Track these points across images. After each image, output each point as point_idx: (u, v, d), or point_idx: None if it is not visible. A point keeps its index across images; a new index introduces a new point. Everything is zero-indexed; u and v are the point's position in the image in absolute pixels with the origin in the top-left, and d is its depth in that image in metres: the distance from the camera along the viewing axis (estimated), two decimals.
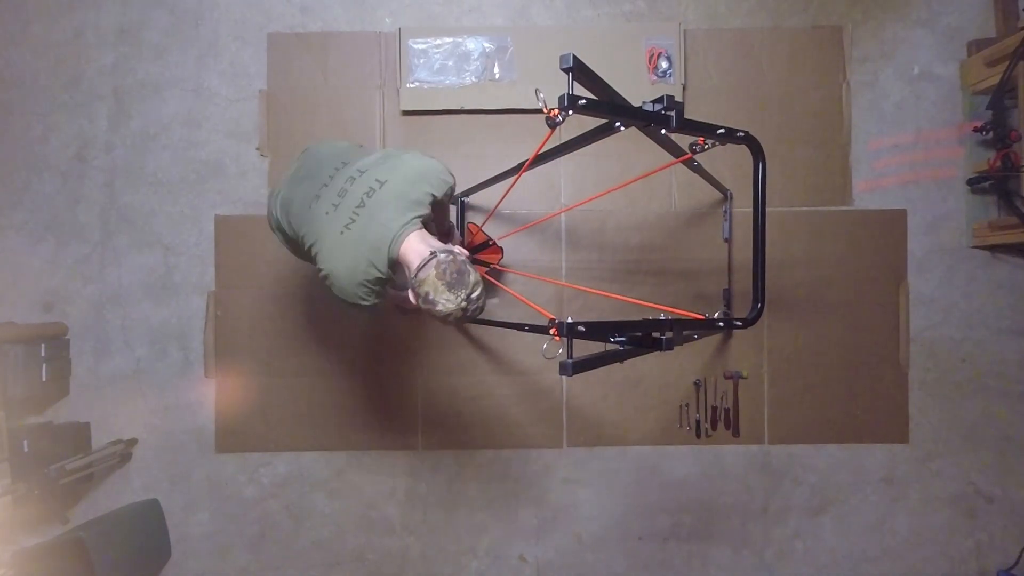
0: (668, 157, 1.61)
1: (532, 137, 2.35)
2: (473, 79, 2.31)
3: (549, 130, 1.27)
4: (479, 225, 2.16)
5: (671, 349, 1.28)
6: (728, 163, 2.34)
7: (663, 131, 1.33)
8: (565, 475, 2.39)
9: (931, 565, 2.40)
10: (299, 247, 1.48)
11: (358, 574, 2.38)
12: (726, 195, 2.31)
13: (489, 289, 2.36)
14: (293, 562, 2.37)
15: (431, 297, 1.25)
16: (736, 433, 2.38)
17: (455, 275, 1.25)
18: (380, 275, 1.33)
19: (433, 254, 1.26)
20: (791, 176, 2.39)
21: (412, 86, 2.31)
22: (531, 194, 2.36)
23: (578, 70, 1.17)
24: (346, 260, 1.33)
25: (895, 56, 2.41)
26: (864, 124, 2.40)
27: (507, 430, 2.38)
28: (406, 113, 2.35)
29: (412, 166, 1.39)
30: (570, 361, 1.19)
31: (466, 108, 2.32)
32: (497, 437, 2.38)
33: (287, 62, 2.38)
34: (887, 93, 2.41)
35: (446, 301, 1.24)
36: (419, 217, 1.33)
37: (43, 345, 2.21)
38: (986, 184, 2.32)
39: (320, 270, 1.37)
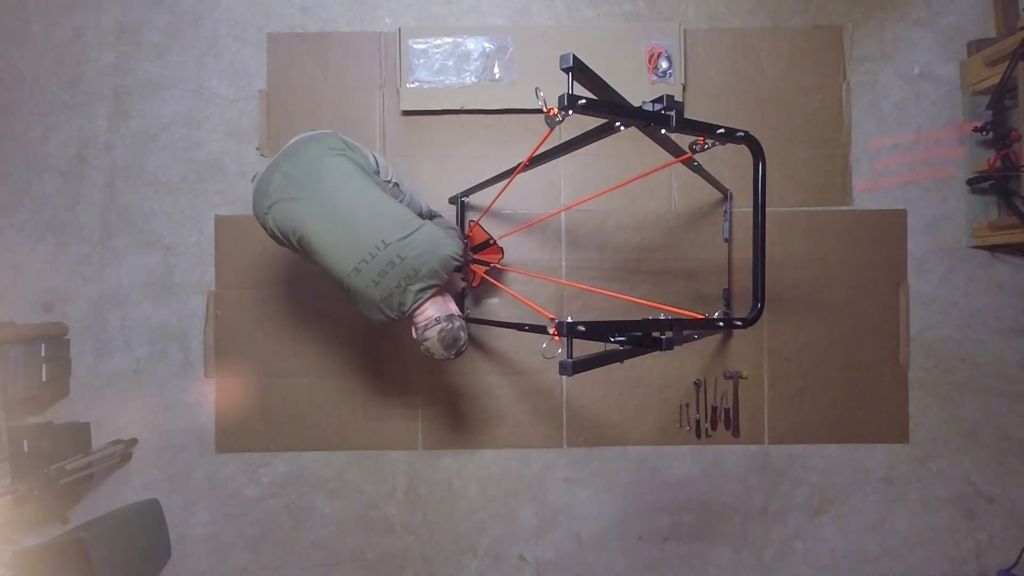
0: (667, 156, 1.61)
1: (532, 137, 2.35)
2: (473, 79, 2.31)
3: (548, 129, 1.27)
4: (479, 224, 2.15)
5: (671, 349, 1.28)
6: (728, 163, 2.34)
7: (663, 131, 1.33)
8: (565, 475, 2.39)
9: (931, 565, 2.40)
10: (303, 254, 1.53)
11: (358, 574, 2.38)
12: (726, 195, 2.31)
13: (489, 289, 2.36)
14: (293, 562, 2.37)
15: (430, 351, 1.55)
16: (736, 433, 2.37)
17: (451, 340, 1.54)
18: (394, 319, 1.53)
19: (437, 320, 1.52)
20: (791, 176, 2.39)
21: (412, 86, 2.31)
22: (531, 194, 2.36)
23: (578, 70, 1.17)
24: (372, 300, 1.48)
25: (895, 56, 2.41)
26: (864, 124, 2.40)
27: (507, 430, 2.38)
28: (406, 113, 2.35)
29: (436, 248, 1.48)
30: (570, 361, 1.19)
31: (466, 108, 2.32)
32: (497, 437, 2.38)
33: (287, 62, 2.38)
34: (887, 93, 2.41)
35: (440, 356, 1.56)
36: (429, 288, 1.49)
37: (43, 345, 2.21)
38: (986, 184, 2.32)
39: (355, 297, 1.52)
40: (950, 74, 2.40)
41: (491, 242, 2.14)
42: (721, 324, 1.59)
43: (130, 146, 2.38)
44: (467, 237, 2.14)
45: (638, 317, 1.31)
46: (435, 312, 1.53)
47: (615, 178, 2.37)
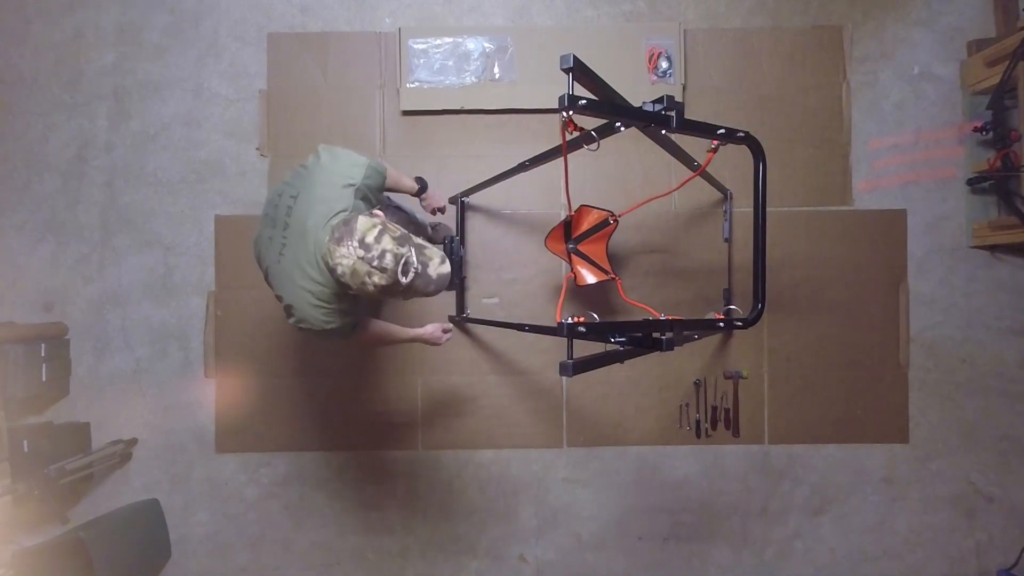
0: (668, 155, 1.61)
1: (532, 137, 2.35)
2: (473, 79, 2.31)
3: (561, 134, 1.25)
4: (588, 205, 2.00)
5: (671, 349, 1.28)
6: (728, 163, 2.32)
7: (663, 131, 1.33)
8: (565, 475, 2.39)
9: (931, 565, 2.40)
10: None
11: (358, 574, 2.38)
12: (726, 195, 2.31)
13: (488, 290, 2.36)
14: (293, 562, 2.37)
15: (331, 262, 1.16)
16: (736, 433, 2.37)
17: (341, 228, 1.17)
18: (326, 289, 1.27)
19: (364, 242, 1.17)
20: (791, 176, 2.39)
21: (412, 86, 2.31)
22: (532, 194, 2.36)
23: (578, 70, 1.17)
24: (291, 286, 1.29)
25: (895, 56, 2.41)
26: (864, 124, 2.40)
27: (507, 430, 2.38)
28: (406, 113, 2.35)
29: (322, 167, 1.31)
30: (570, 361, 1.19)
31: (466, 108, 2.32)
32: (497, 437, 2.38)
33: (287, 62, 2.38)
34: (887, 93, 2.41)
35: (342, 259, 1.15)
36: (343, 212, 1.25)
37: (43, 345, 2.21)
38: (986, 184, 2.32)
39: (285, 305, 1.33)
40: (950, 74, 2.40)
41: (610, 220, 1.99)
42: (721, 325, 1.58)
43: (130, 146, 2.37)
44: (571, 220, 2.01)
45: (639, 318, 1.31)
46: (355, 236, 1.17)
47: (615, 177, 2.37)
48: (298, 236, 1.26)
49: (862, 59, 2.40)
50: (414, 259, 1.17)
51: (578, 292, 2.33)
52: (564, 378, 2.36)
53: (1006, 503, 2.39)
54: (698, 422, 2.38)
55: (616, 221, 2.01)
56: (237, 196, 2.38)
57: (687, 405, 2.38)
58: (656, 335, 1.29)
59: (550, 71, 2.30)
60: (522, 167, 1.75)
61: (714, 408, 2.38)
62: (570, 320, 1.20)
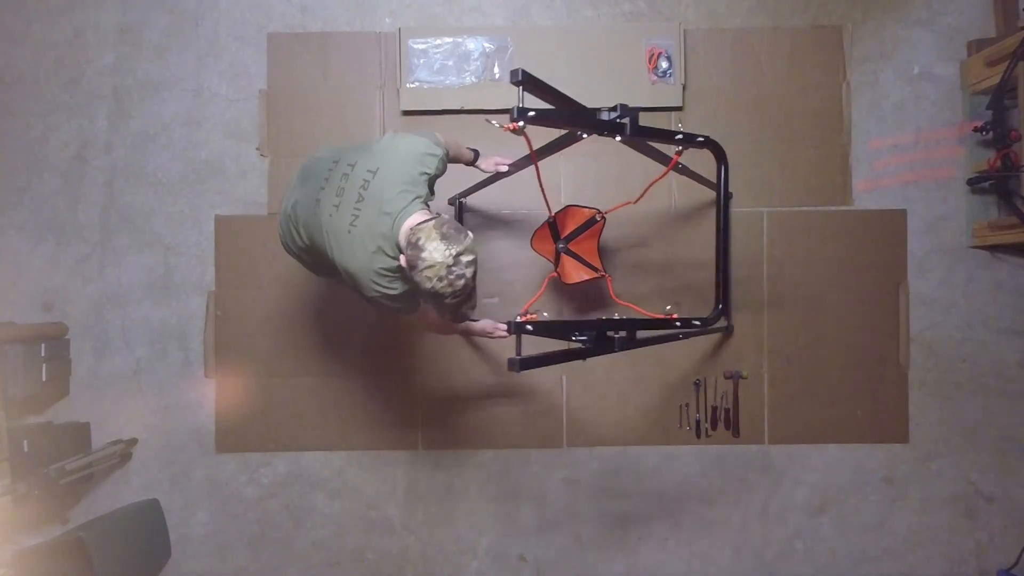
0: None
1: (533, 137, 2.34)
2: (473, 79, 2.31)
3: (525, 140, 1.34)
4: (575, 204, 2.02)
5: (625, 349, 1.30)
6: (728, 163, 2.33)
7: (617, 138, 1.35)
8: (565, 475, 2.39)
9: (931, 565, 2.40)
10: (318, 258, 1.47)
11: (358, 574, 2.38)
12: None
13: (488, 290, 2.36)
14: (293, 562, 2.37)
15: (421, 243, 1.20)
16: (736, 433, 2.37)
17: (453, 229, 1.23)
18: (395, 262, 1.32)
19: (438, 215, 1.28)
20: (791, 176, 2.39)
21: (412, 86, 2.31)
22: (530, 194, 2.35)
23: (528, 83, 1.20)
24: (359, 255, 1.33)
25: (895, 56, 2.41)
26: (864, 124, 2.40)
27: (507, 430, 2.37)
28: (406, 113, 2.35)
29: (400, 149, 1.38)
30: (518, 358, 1.22)
31: (466, 108, 2.32)
32: (497, 437, 2.38)
33: (287, 62, 2.38)
34: (887, 93, 2.41)
35: (434, 251, 1.19)
36: (419, 198, 1.33)
37: (43, 345, 2.21)
38: (986, 184, 2.32)
39: (344, 271, 1.38)
40: (950, 74, 2.40)
41: (597, 218, 2.02)
42: (678, 324, 1.57)
43: (130, 146, 2.37)
44: (554, 220, 2.02)
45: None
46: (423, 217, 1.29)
47: (615, 177, 2.37)
48: (373, 211, 1.31)
49: (862, 59, 2.40)
50: (474, 299, 1.31)
51: (577, 290, 2.33)
52: (564, 378, 2.37)
53: (1006, 503, 2.39)
54: (698, 422, 2.38)
55: (603, 219, 2.02)
56: (237, 196, 2.38)
57: (687, 405, 2.38)
58: (611, 334, 1.32)
59: (550, 71, 2.29)
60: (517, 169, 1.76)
61: (714, 408, 2.38)
62: (518, 319, 1.28)
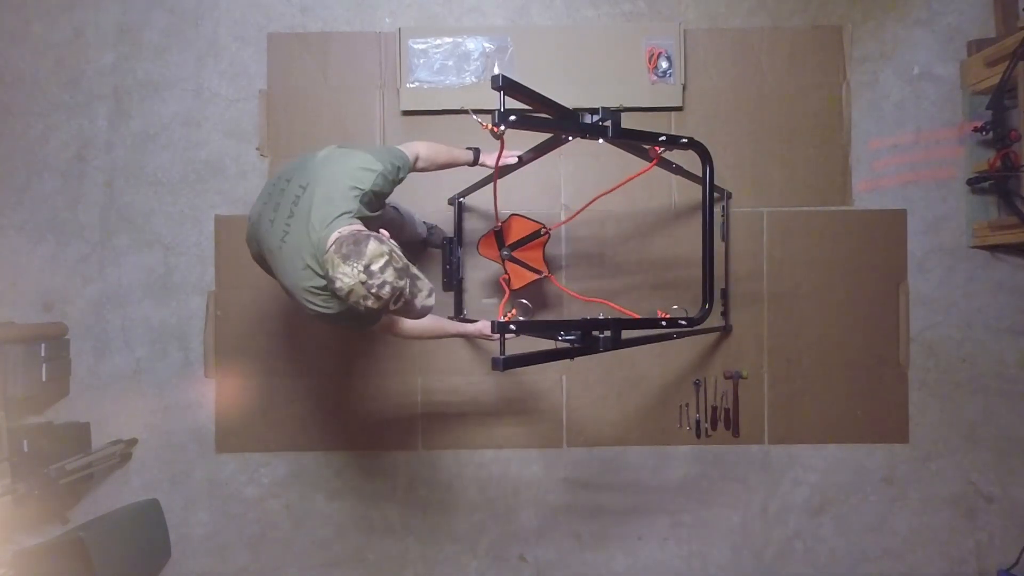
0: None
1: (532, 138, 2.34)
2: (473, 79, 2.31)
3: (498, 141, 1.33)
4: (520, 215, 2.04)
5: (610, 349, 1.30)
6: (728, 163, 2.34)
7: (600, 141, 1.35)
8: (565, 475, 2.39)
9: (931, 565, 2.40)
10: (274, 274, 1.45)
11: (358, 574, 2.38)
12: (723, 195, 2.30)
13: (486, 289, 2.36)
14: (293, 562, 2.37)
15: (331, 273, 1.18)
16: (736, 433, 2.37)
17: (351, 246, 1.17)
18: (323, 281, 1.28)
19: (358, 230, 1.22)
20: (791, 176, 2.39)
21: (412, 86, 2.31)
22: (531, 193, 2.36)
23: (509, 87, 1.20)
24: (290, 272, 1.32)
25: (895, 56, 2.41)
26: (864, 124, 2.40)
27: (507, 430, 2.38)
28: (406, 113, 2.35)
29: (333, 164, 1.34)
30: (502, 357, 1.22)
31: (466, 108, 2.32)
32: (497, 437, 2.38)
33: (287, 62, 2.38)
34: (887, 93, 2.41)
35: (343, 276, 1.15)
36: (346, 214, 1.28)
37: (43, 345, 2.21)
38: (986, 184, 2.32)
39: (283, 288, 1.38)
40: (950, 74, 2.40)
41: (541, 232, 2.03)
42: (664, 324, 1.56)
43: (130, 146, 2.38)
44: (500, 229, 2.04)
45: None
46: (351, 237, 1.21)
47: (616, 177, 2.34)
48: (302, 227, 1.29)
49: (862, 59, 2.40)
50: (407, 291, 1.22)
51: (578, 292, 2.33)
52: (564, 378, 2.37)
53: (1006, 503, 2.39)
54: (698, 422, 2.38)
55: (548, 233, 2.05)
56: (237, 196, 2.38)
57: (687, 405, 2.38)
58: (596, 334, 1.32)
59: (550, 71, 2.30)
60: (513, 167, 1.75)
61: (714, 408, 2.38)
62: (502, 319, 1.28)
